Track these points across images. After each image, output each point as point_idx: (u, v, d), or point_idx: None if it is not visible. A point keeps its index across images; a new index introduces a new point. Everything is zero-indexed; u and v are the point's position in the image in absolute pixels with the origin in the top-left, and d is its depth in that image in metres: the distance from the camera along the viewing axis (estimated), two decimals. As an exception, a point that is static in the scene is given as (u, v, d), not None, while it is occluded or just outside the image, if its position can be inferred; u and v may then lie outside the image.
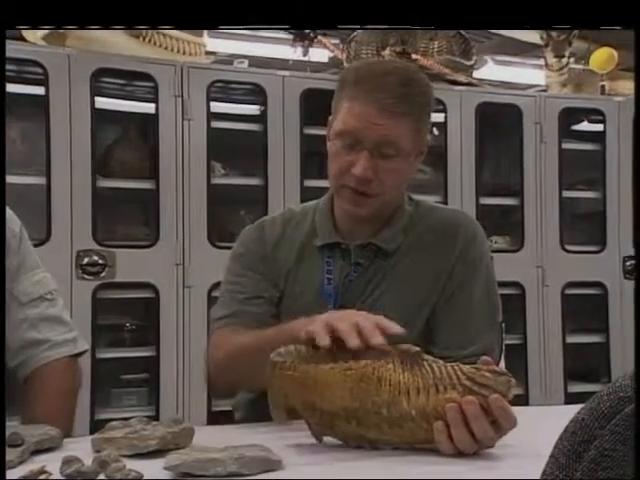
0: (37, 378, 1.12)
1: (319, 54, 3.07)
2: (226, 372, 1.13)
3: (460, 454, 0.85)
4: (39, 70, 2.39)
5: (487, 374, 0.86)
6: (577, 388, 2.97)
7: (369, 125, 1.09)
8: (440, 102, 2.90)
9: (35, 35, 2.50)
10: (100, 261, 2.43)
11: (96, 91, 2.49)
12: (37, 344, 1.13)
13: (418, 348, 0.90)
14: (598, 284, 3.08)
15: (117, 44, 2.55)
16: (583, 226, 3.27)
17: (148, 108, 2.61)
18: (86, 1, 0.98)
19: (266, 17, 1.04)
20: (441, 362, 0.89)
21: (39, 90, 2.40)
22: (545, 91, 3.32)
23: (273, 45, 3.41)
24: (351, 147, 1.11)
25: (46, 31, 2.47)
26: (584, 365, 3.09)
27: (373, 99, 1.08)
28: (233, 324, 1.17)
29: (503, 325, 1.19)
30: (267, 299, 1.20)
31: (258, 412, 1.05)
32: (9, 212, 1.17)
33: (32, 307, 1.14)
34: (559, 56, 3.25)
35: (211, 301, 2.37)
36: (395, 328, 0.90)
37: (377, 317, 0.91)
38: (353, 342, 0.87)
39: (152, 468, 0.79)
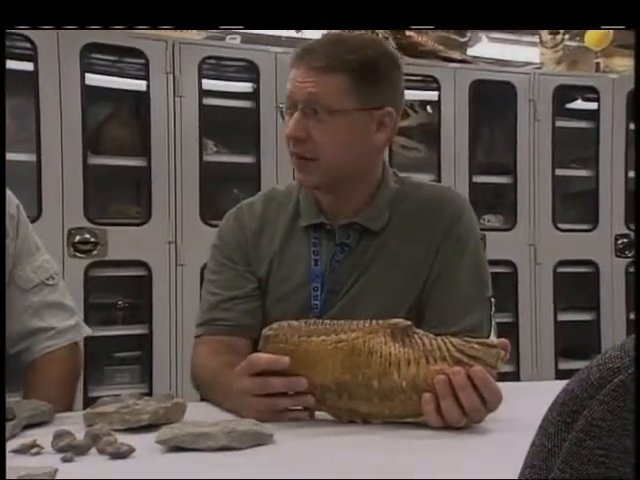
0: (41, 365, 1.12)
1: (312, 30, 3.03)
2: (194, 384, 1.18)
3: (449, 428, 0.86)
4: (28, 45, 2.35)
5: (476, 346, 0.86)
6: (568, 365, 2.99)
7: (298, 84, 1.09)
8: (434, 79, 2.88)
9: (23, 9, 2.46)
10: (92, 239, 2.42)
11: (86, 68, 2.46)
12: (41, 332, 1.13)
13: (409, 322, 0.90)
14: (590, 262, 3.10)
15: (107, 19, 2.51)
16: (576, 204, 3.27)
17: (139, 85, 2.59)
18: (86, 1, 0.99)
19: (266, 18, 1.04)
20: (431, 335, 0.89)
21: (28, 66, 2.37)
22: (539, 68, 3.30)
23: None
24: (291, 113, 1.11)
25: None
26: (575, 342, 3.11)
27: (302, 60, 1.10)
28: (207, 333, 1.19)
29: (493, 300, 1.19)
30: (242, 295, 1.20)
31: None
32: (7, 192, 1.15)
33: (34, 294, 1.13)
34: (554, 33, 3.23)
35: (203, 279, 2.36)
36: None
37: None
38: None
39: (144, 442, 0.80)
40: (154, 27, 2.44)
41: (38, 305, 1.13)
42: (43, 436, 0.81)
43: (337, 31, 1.32)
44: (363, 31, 2.80)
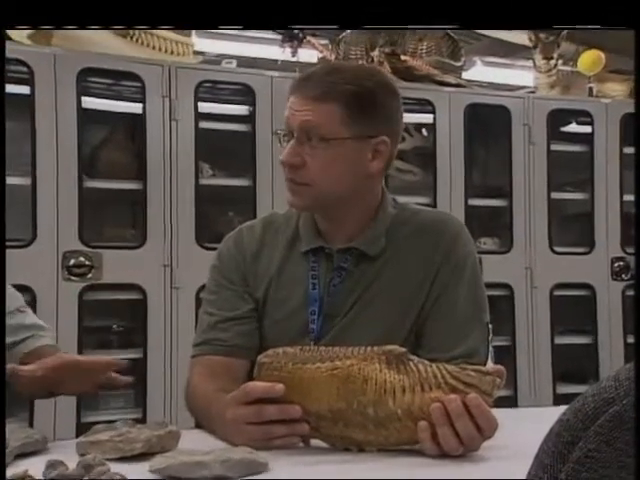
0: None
1: (308, 55, 3.07)
2: (189, 411, 1.18)
3: (445, 456, 0.86)
4: (24, 69, 2.37)
5: (472, 373, 0.86)
6: (565, 389, 2.98)
7: (294, 113, 1.12)
8: (429, 103, 2.91)
9: (20, 34, 2.49)
10: (87, 262, 2.42)
11: (83, 91, 2.47)
12: (17, 343, 1.25)
13: (404, 349, 0.90)
14: (586, 285, 3.10)
15: (104, 43, 2.54)
16: (571, 227, 3.29)
17: (135, 108, 2.60)
18: (86, 1, 1.00)
19: (263, 18, 1.06)
20: (427, 362, 0.89)
21: (24, 89, 2.39)
22: (534, 92, 3.34)
23: (262, 45, 3.41)
24: (288, 140, 1.14)
25: (32, 30, 2.45)
26: (572, 366, 3.10)
27: (299, 89, 1.13)
28: (203, 353, 1.20)
29: (490, 326, 1.19)
30: (240, 316, 1.20)
31: None
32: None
33: (10, 318, 1.24)
34: (547, 58, 3.27)
35: (199, 303, 2.36)
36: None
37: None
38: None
39: (137, 471, 0.79)
40: (153, 27, 2.47)
41: (17, 326, 1.26)
42: (35, 465, 0.80)
43: (335, 61, 1.34)
44: (358, 62, 2.85)
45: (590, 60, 3.22)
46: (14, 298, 1.30)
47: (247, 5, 1.05)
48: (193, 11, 1.04)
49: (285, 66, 2.96)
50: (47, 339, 1.30)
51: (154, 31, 2.68)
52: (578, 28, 2.95)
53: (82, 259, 2.41)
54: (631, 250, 3.09)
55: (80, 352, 2.32)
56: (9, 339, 1.23)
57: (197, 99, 2.60)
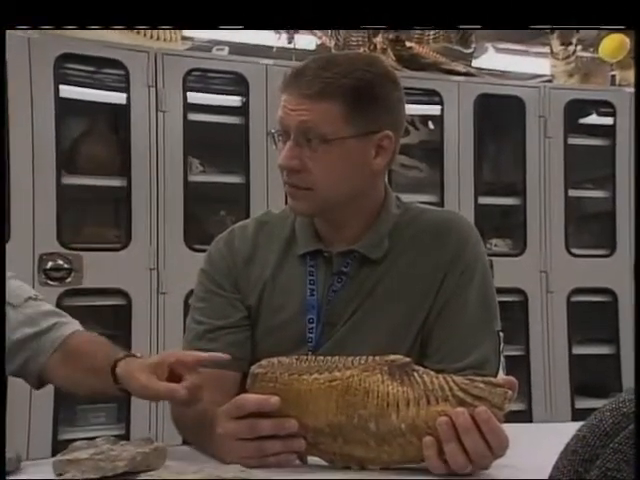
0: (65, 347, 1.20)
1: (305, 41, 3.07)
2: (176, 426, 1.18)
3: (453, 475, 0.86)
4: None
5: (482, 385, 0.87)
6: (585, 404, 2.98)
7: (289, 112, 1.12)
8: (436, 93, 2.92)
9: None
10: (65, 265, 2.42)
11: (60, 79, 2.48)
12: (42, 332, 1.21)
13: (408, 358, 0.90)
14: (607, 290, 3.10)
15: (84, 28, 2.54)
16: (591, 228, 3.29)
17: (119, 98, 2.60)
18: (86, 1, 1.05)
19: (264, 18, 1.08)
20: (432, 373, 0.90)
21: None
22: (550, 81, 3.34)
23: (256, 31, 3.41)
24: (284, 141, 1.14)
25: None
26: (593, 379, 3.11)
27: (292, 86, 1.12)
28: None
29: (501, 334, 1.19)
30: (231, 325, 1.21)
31: None
32: None
33: (27, 307, 1.23)
34: (566, 43, 3.27)
35: (187, 309, 2.36)
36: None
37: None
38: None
39: (120, 492, 0.79)
40: (153, 27, 2.50)
41: (35, 315, 1.23)
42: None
43: (329, 52, 1.35)
44: (360, 49, 2.85)
45: (613, 45, 3.22)
46: (23, 289, 1.28)
47: (247, 5, 1.09)
48: (193, 11, 1.08)
49: (281, 53, 2.96)
50: (75, 324, 1.26)
51: (139, 15, 2.68)
52: (578, 28, 2.98)
53: (60, 262, 2.41)
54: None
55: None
56: (30, 329, 1.21)
57: (186, 89, 2.60)
